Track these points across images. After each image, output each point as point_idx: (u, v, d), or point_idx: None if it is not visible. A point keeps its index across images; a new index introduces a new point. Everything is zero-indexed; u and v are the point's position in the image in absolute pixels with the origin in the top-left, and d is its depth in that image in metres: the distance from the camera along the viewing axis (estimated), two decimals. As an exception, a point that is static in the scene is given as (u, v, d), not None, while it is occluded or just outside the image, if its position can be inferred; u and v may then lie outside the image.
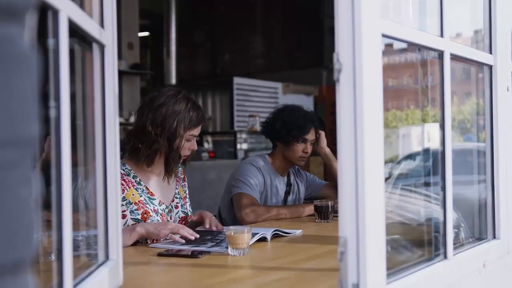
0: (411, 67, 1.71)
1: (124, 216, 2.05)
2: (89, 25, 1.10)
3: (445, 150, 1.41)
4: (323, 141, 2.89)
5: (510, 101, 1.76)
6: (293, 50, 9.17)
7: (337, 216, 1.29)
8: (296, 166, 2.93)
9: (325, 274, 1.51)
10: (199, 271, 1.59)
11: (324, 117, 7.02)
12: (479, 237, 1.72)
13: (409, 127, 2.10)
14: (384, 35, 1.14)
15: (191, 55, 10.17)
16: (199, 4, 10.09)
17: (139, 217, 2.07)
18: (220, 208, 2.86)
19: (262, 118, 5.88)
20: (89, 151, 1.23)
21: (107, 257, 1.23)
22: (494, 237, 1.70)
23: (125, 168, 2.12)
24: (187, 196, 2.35)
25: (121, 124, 6.30)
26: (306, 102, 7.28)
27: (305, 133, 2.76)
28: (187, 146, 2.15)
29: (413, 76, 1.79)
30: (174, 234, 1.91)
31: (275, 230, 2.04)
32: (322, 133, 2.89)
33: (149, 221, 2.08)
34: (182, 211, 2.27)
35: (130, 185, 2.10)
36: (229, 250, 1.73)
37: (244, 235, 1.72)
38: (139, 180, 2.14)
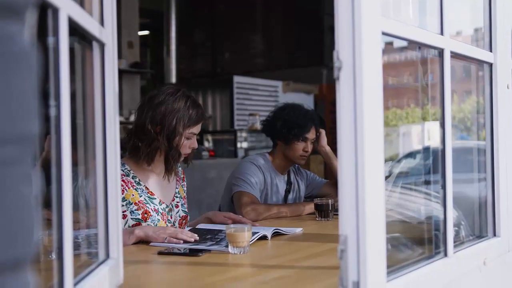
0: (412, 66, 1.71)
1: (124, 216, 2.05)
2: (89, 24, 1.10)
3: (445, 148, 1.41)
4: (324, 140, 2.89)
5: (510, 99, 1.76)
6: (293, 48, 9.17)
7: (337, 215, 1.29)
8: (296, 165, 2.93)
9: (325, 272, 1.51)
10: (200, 269, 1.59)
11: (324, 115, 7.01)
12: (479, 235, 1.72)
13: (409, 125, 2.11)
14: (384, 33, 1.14)
15: (191, 54, 10.17)
16: (199, 3, 10.09)
17: (139, 217, 2.07)
18: (221, 206, 2.87)
19: (262, 116, 5.88)
20: (90, 150, 1.23)
21: (107, 255, 1.23)
22: (494, 235, 1.70)
23: (124, 169, 2.11)
24: (186, 196, 2.35)
25: (121, 123, 6.30)
26: (306, 101, 7.27)
27: (305, 132, 2.76)
28: (188, 144, 2.15)
29: (413, 74, 1.79)
30: (172, 238, 1.90)
31: (275, 229, 2.05)
32: (323, 132, 2.89)
33: (149, 220, 2.08)
34: (182, 210, 2.26)
35: (130, 185, 2.10)
36: (230, 249, 1.73)
37: (244, 234, 1.72)
38: (139, 180, 2.13)
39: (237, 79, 7.67)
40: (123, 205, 2.05)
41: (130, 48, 7.36)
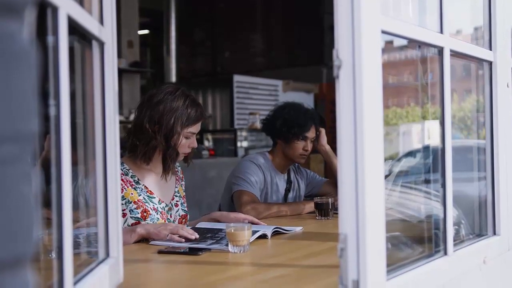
0: (412, 64, 1.71)
1: (124, 215, 2.05)
2: (89, 23, 1.10)
3: (445, 147, 1.41)
4: (323, 139, 2.89)
5: (510, 97, 1.76)
6: (293, 47, 9.17)
7: (337, 213, 1.29)
8: (296, 164, 2.93)
9: (325, 271, 1.51)
10: (199, 268, 1.59)
11: (324, 114, 7.01)
12: (479, 234, 1.72)
13: (410, 124, 2.10)
14: (383, 32, 1.14)
15: (191, 53, 10.18)
16: (199, 2, 10.09)
17: (139, 215, 2.07)
18: (221, 205, 2.87)
19: (262, 115, 5.88)
20: (89, 149, 1.23)
21: (107, 254, 1.23)
22: (494, 233, 1.70)
23: (123, 168, 2.11)
24: (185, 195, 2.35)
25: (121, 122, 6.30)
26: (306, 100, 7.27)
27: (305, 131, 2.76)
28: (187, 144, 2.15)
29: (413, 73, 1.79)
30: (173, 234, 1.90)
31: (275, 228, 2.05)
32: (323, 131, 2.89)
33: (149, 219, 2.08)
34: (182, 209, 2.27)
35: (129, 184, 2.10)
36: (229, 247, 1.73)
37: (244, 232, 1.72)
38: (138, 179, 2.14)
39: (237, 78, 7.66)
40: (122, 204, 2.05)
41: (130, 47, 7.36)
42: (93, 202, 1.24)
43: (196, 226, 2.16)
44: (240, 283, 1.44)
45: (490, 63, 1.70)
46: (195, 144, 2.18)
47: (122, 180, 2.08)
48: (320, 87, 7.96)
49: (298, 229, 2.17)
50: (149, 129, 2.08)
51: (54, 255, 0.95)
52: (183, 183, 2.36)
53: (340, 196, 1.07)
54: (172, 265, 1.65)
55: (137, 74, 7.60)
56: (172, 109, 2.09)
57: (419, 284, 1.28)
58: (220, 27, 9.90)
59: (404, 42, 1.45)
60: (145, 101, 2.14)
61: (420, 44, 1.49)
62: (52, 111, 0.89)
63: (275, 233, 2.04)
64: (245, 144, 6.97)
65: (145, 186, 2.14)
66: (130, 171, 2.13)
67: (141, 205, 2.09)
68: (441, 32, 1.40)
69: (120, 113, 6.80)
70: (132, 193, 2.09)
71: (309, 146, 2.78)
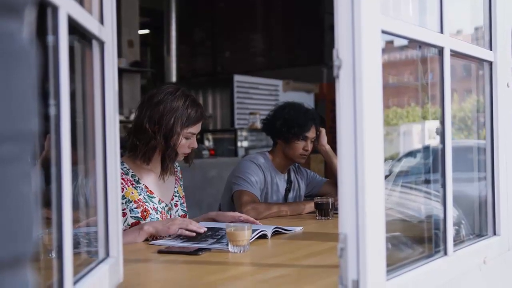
0: (412, 64, 1.71)
1: (124, 215, 2.05)
2: (89, 22, 1.10)
3: (445, 147, 1.41)
4: (324, 139, 2.89)
5: (510, 97, 1.76)
6: (293, 47, 9.17)
7: (337, 213, 1.29)
8: (297, 164, 2.93)
9: (325, 271, 1.51)
10: (200, 268, 1.59)
11: (325, 114, 7.02)
12: (480, 234, 1.72)
13: (410, 124, 2.10)
14: (384, 32, 1.14)
15: (192, 53, 10.18)
16: (200, 2, 10.09)
17: (139, 215, 2.07)
18: (221, 205, 2.87)
19: (262, 115, 5.88)
20: (89, 149, 1.23)
21: (107, 254, 1.23)
22: (495, 233, 1.70)
23: (124, 167, 2.12)
24: (184, 195, 2.36)
25: (121, 122, 6.30)
26: (306, 100, 7.27)
27: (305, 131, 2.76)
28: (187, 144, 2.15)
29: (413, 73, 1.79)
30: (183, 229, 1.92)
31: (275, 227, 2.05)
32: (323, 131, 2.89)
33: (149, 219, 2.08)
34: (181, 209, 2.27)
35: (129, 183, 2.10)
36: (230, 247, 1.73)
37: (244, 232, 1.72)
38: (138, 178, 2.14)
39: (237, 78, 7.66)
40: (122, 203, 2.05)
41: (130, 47, 7.36)
42: (93, 202, 1.24)
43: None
44: (240, 283, 1.44)
45: (491, 63, 1.70)
46: (195, 145, 2.18)
47: (122, 179, 2.08)
48: (321, 87, 7.96)
49: (298, 229, 2.17)
50: (149, 129, 2.08)
51: (54, 254, 0.95)
52: (181, 183, 2.36)
53: (340, 196, 1.07)
54: (172, 265, 1.65)
55: (138, 74, 7.60)
56: (172, 109, 2.09)
57: (419, 284, 1.28)
58: (220, 27, 9.91)
59: (404, 42, 1.45)
60: (145, 101, 2.14)
61: (420, 44, 1.49)
62: (52, 111, 0.89)
63: (275, 233, 2.04)
64: (245, 144, 6.97)
65: (145, 185, 2.14)
66: (130, 170, 2.14)
67: (141, 205, 2.09)
68: (441, 32, 1.40)
69: (121, 112, 6.81)
70: (132, 193, 2.09)
71: (309, 146, 2.78)
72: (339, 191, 1.07)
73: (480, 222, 1.76)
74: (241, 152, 6.79)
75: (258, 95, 7.78)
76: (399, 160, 2.06)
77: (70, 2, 0.95)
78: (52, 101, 0.89)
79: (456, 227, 1.62)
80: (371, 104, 1.07)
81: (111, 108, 1.24)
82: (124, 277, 1.30)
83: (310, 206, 2.62)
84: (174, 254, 1.74)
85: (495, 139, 1.70)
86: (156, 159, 2.16)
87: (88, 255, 1.28)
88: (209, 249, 1.76)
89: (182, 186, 2.34)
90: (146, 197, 2.12)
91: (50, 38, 0.90)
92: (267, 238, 1.97)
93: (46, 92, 0.89)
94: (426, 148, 1.81)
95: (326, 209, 2.46)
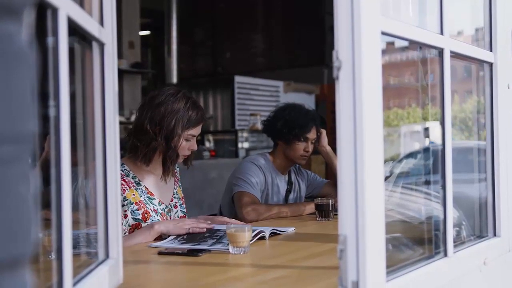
0: (413, 65, 1.71)
1: (125, 216, 2.05)
2: (89, 24, 1.10)
3: (445, 148, 1.41)
4: (324, 140, 2.89)
5: (510, 98, 1.76)
6: (294, 48, 9.17)
7: (337, 215, 1.29)
8: (297, 165, 2.93)
9: (325, 272, 1.51)
10: (199, 269, 1.59)
11: (326, 115, 7.02)
12: (480, 235, 1.72)
13: (411, 125, 2.10)
14: (383, 33, 1.14)
15: (192, 54, 10.18)
16: (200, 3, 10.09)
17: (139, 217, 2.08)
18: (221, 206, 2.87)
19: (263, 116, 5.87)
20: (90, 150, 1.23)
21: (107, 255, 1.23)
22: (495, 234, 1.69)
23: (124, 169, 2.12)
24: (183, 196, 2.36)
25: (122, 123, 6.31)
26: (307, 101, 7.27)
27: (306, 132, 2.76)
28: (187, 146, 2.15)
29: (414, 74, 1.79)
30: (194, 227, 1.98)
31: (272, 229, 2.06)
32: (323, 132, 2.89)
33: (149, 221, 2.08)
34: (181, 210, 2.27)
35: (131, 185, 2.11)
36: (230, 249, 1.73)
37: (245, 234, 1.72)
38: (138, 180, 2.14)
39: (238, 79, 7.66)
40: (124, 205, 2.05)
41: (131, 48, 7.37)
42: (93, 203, 1.24)
43: None
44: (240, 284, 1.44)
45: (491, 64, 1.70)
46: (195, 147, 2.18)
47: (124, 181, 2.08)
48: (321, 88, 7.96)
49: (291, 229, 2.17)
50: (150, 130, 2.08)
51: (53, 256, 0.95)
52: (180, 184, 2.36)
53: (340, 197, 1.07)
54: (172, 266, 1.65)
55: (138, 75, 7.60)
56: (174, 111, 2.09)
57: (419, 286, 1.28)
58: (220, 27, 9.91)
59: (405, 43, 1.45)
60: (146, 102, 2.14)
61: (420, 46, 1.49)
62: (52, 112, 0.89)
63: (271, 234, 2.05)
64: (246, 145, 6.97)
65: (145, 187, 2.14)
66: (131, 172, 2.14)
67: (142, 206, 2.09)
68: (441, 33, 1.40)
69: (121, 114, 6.81)
70: (133, 194, 2.09)
71: (310, 147, 2.78)
72: (339, 192, 1.07)
73: (480, 223, 1.75)
74: (241, 153, 6.78)
75: (259, 96, 7.78)
76: (400, 161, 2.06)
77: (70, 3, 0.95)
78: (52, 102, 0.89)
79: (457, 228, 1.62)
80: (370, 105, 1.07)
81: (111, 109, 1.24)
82: (124, 278, 1.30)
83: (310, 207, 2.62)
84: (174, 255, 1.74)
85: (495, 140, 1.70)
86: (156, 161, 2.16)
87: (88, 257, 1.28)
88: (209, 250, 1.76)
89: (181, 187, 2.35)
90: (146, 199, 2.12)
91: (50, 40, 0.90)
92: (265, 239, 1.97)
93: (46, 93, 0.89)
94: (427, 149, 1.81)
95: (327, 210, 2.46)
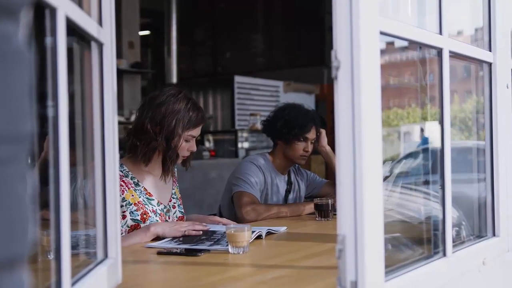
0: (413, 65, 1.71)
1: (124, 217, 2.05)
2: (87, 24, 1.10)
3: (444, 148, 1.41)
4: (324, 140, 2.89)
5: (509, 98, 1.76)
6: (294, 48, 9.17)
7: (337, 214, 1.29)
8: (297, 165, 2.93)
9: (325, 272, 1.51)
10: (199, 269, 1.59)
11: (326, 115, 7.02)
12: (479, 235, 1.72)
13: (411, 125, 2.10)
14: (382, 33, 1.14)
15: (192, 54, 10.18)
16: (200, 3, 10.09)
17: (138, 217, 2.08)
18: (221, 206, 2.87)
19: (263, 116, 5.87)
20: (88, 150, 1.23)
21: (106, 255, 1.23)
22: (494, 234, 1.69)
23: (123, 170, 2.12)
24: (181, 197, 2.37)
25: (122, 123, 6.31)
26: (307, 101, 7.28)
27: (306, 132, 2.76)
28: (186, 147, 2.16)
29: (414, 74, 1.79)
30: (191, 230, 1.99)
31: (268, 229, 2.08)
32: (323, 132, 2.89)
33: (148, 221, 2.08)
34: (179, 211, 2.28)
35: (129, 186, 2.11)
36: (230, 248, 1.73)
37: (244, 233, 1.72)
38: (137, 181, 2.14)
39: (238, 79, 7.66)
40: (122, 206, 2.05)
41: (130, 48, 7.37)
42: (92, 203, 1.24)
43: None
44: (239, 284, 1.44)
45: (490, 64, 1.70)
46: (195, 148, 2.19)
47: (123, 181, 2.08)
48: (321, 88, 7.96)
49: (283, 229, 2.18)
50: (150, 130, 2.09)
51: (52, 255, 0.95)
52: (177, 184, 2.37)
53: (339, 197, 1.07)
54: (171, 266, 1.65)
55: (138, 75, 7.61)
56: (174, 111, 2.10)
57: (418, 285, 1.28)
58: (220, 27, 9.91)
59: (405, 43, 1.45)
60: (147, 102, 2.15)
61: (419, 46, 1.49)
62: (50, 112, 0.89)
63: (268, 233, 2.07)
64: (246, 145, 6.97)
65: (144, 188, 2.15)
66: (130, 173, 2.14)
67: (141, 207, 2.10)
68: (440, 33, 1.40)
69: (121, 114, 6.80)
70: (132, 195, 2.10)
71: (310, 147, 2.78)
72: (338, 192, 1.08)
73: (479, 223, 1.76)
74: (241, 153, 6.78)
75: (258, 96, 7.78)
76: (400, 161, 2.06)
77: (68, 3, 0.95)
78: (50, 103, 0.89)
79: (457, 228, 1.62)
80: (369, 105, 1.07)
81: (109, 109, 1.24)
82: (123, 278, 1.30)
83: (310, 207, 2.62)
84: (174, 255, 1.74)
85: (495, 141, 1.70)
86: (155, 161, 2.17)
87: (86, 256, 1.28)
88: (208, 250, 1.76)
89: (178, 187, 2.35)
90: (145, 199, 2.13)
91: (48, 40, 0.90)
92: (262, 239, 1.98)
93: (44, 94, 0.89)
94: (426, 149, 1.81)
95: (326, 210, 2.46)
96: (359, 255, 1.05)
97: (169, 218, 2.20)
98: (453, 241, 1.44)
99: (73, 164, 1.12)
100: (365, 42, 1.06)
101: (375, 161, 1.09)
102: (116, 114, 1.27)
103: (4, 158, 0.52)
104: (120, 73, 6.95)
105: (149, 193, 2.15)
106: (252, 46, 9.61)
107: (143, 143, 2.10)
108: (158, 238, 1.96)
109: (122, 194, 2.06)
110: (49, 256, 1.15)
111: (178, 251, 1.77)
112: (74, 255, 0.96)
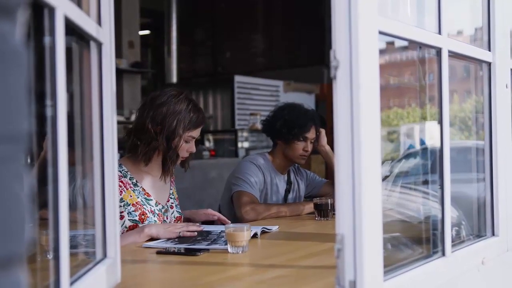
0: (413, 65, 1.71)
1: (121, 218, 2.05)
2: (86, 23, 1.10)
3: (443, 148, 1.41)
4: (324, 139, 2.89)
5: (509, 98, 1.76)
6: (294, 48, 9.17)
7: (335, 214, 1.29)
8: (296, 164, 2.93)
9: (324, 272, 1.51)
10: (198, 268, 1.59)
11: (326, 115, 7.02)
12: (478, 234, 1.72)
13: (411, 125, 2.10)
14: (381, 32, 1.14)
15: (192, 54, 10.18)
16: (200, 2, 10.10)
17: (136, 218, 2.08)
18: (220, 206, 2.87)
19: (263, 116, 5.88)
20: (87, 150, 1.23)
21: (105, 255, 1.23)
22: (493, 234, 1.69)
23: (122, 170, 2.12)
24: (178, 197, 2.37)
25: (122, 123, 6.31)
26: (307, 101, 7.27)
27: (305, 131, 2.76)
28: (186, 148, 2.16)
29: (414, 74, 1.79)
30: (185, 231, 1.99)
31: (262, 228, 2.10)
32: (323, 131, 2.89)
33: (146, 222, 2.09)
34: (177, 211, 2.28)
35: (128, 186, 2.11)
36: (229, 248, 1.73)
37: (243, 233, 1.73)
38: (136, 181, 2.14)
39: (238, 78, 7.67)
40: (120, 206, 2.05)
41: (130, 47, 7.37)
42: (92, 203, 1.24)
43: None
44: (238, 283, 1.44)
45: (489, 64, 1.70)
46: (194, 149, 2.20)
47: (121, 182, 2.08)
48: (321, 88, 7.96)
49: (275, 228, 2.20)
50: (151, 130, 2.09)
51: (51, 255, 0.95)
52: (174, 185, 2.37)
53: (337, 196, 1.07)
54: (170, 266, 1.65)
55: (138, 75, 7.61)
56: (175, 112, 2.10)
57: (417, 285, 1.28)
58: (220, 27, 9.91)
59: (405, 42, 1.45)
60: (148, 102, 2.15)
61: (418, 45, 1.49)
62: (49, 112, 0.89)
63: (264, 232, 2.09)
64: (246, 144, 6.97)
65: (142, 188, 2.15)
66: (129, 173, 2.14)
67: (139, 208, 2.10)
68: (439, 33, 1.40)
69: (121, 113, 6.80)
70: (131, 196, 2.10)
71: (309, 147, 2.78)
72: (336, 192, 1.08)
73: (478, 222, 1.76)
74: (241, 153, 6.79)
75: (258, 96, 7.78)
76: (399, 160, 2.06)
77: (67, 3, 0.95)
78: (49, 102, 0.89)
79: (457, 228, 1.62)
80: (368, 105, 1.07)
81: (108, 109, 1.24)
82: (122, 278, 1.30)
83: (309, 207, 2.62)
84: (173, 255, 1.74)
85: (494, 140, 1.70)
86: (154, 161, 2.17)
87: (85, 256, 1.28)
88: (207, 250, 1.76)
89: (175, 188, 2.35)
90: (143, 200, 2.13)
91: (47, 39, 0.90)
92: (257, 237, 1.99)
93: (43, 93, 0.89)
94: (426, 149, 1.81)
95: (325, 210, 2.46)
96: (357, 255, 1.05)
97: (167, 219, 2.20)
98: (452, 241, 1.44)
99: (72, 163, 1.12)
100: (364, 42, 1.06)
101: (374, 160, 1.09)
102: (115, 114, 1.27)
103: (2, 157, 0.52)
104: (120, 72, 6.95)
105: (147, 193, 2.15)
106: (252, 46, 9.61)
107: (144, 142, 2.10)
108: (152, 239, 1.96)
109: (120, 195, 2.06)
110: (48, 256, 1.16)
111: (178, 250, 1.77)
112: (73, 255, 0.96)
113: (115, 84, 1.27)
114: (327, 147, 2.90)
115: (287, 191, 2.88)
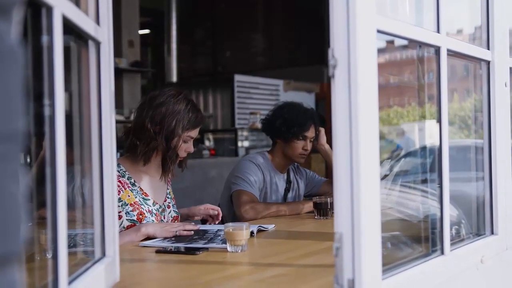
0: (413, 64, 1.71)
1: (120, 217, 2.05)
2: (84, 22, 1.10)
3: (442, 146, 1.41)
4: (323, 138, 2.89)
5: (507, 97, 1.76)
6: (294, 47, 9.17)
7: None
8: (296, 163, 2.93)
9: (323, 270, 1.51)
10: (197, 267, 1.59)
11: (326, 114, 7.01)
12: (477, 233, 1.72)
13: (410, 123, 2.10)
14: (379, 31, 1.14)
15: (192, 53, 10.18)
16: (200, 2, 10.10)
17: (134, 218, 2.08)
18: (220, 205, 2.87)
19: (263, 115, 5.87)
20: (86, 149, 1.23)
21: (103, 253, 1.23)
22: (492, 233, 1.69)
23: (120, 170, 2.12)
24: (174, 197, 2.37)
25: (121, 122, 6.31)
26: (307, 100, 7.27)
27: (305, 130, 2.76)
28: (184, 148, 2.16)
29: (414, 73, 1.79)
30: (181, 230, 2.00)
31: (259, 226, 2.11)
32: (322, 130, 2.89)
33: (144, 222, 2.09)
34: (174, 210, 2.28)
35: (126, 186, 2.11)
36: (228, 247, 1.73)
37: (242, 232, 1.73)
38: (134, 181, 2.14)
39: (238, 77, 7.66)
40: (118, 206, 2.05)
41: (130, 47, 7.36)
42: (90, 202, 1.24)
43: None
44: (237, 282, 1.44)
45: (488, 62, 1.70)
46: (192, 149, 2.20)
47: (119, 181, 2.08)
48: (321, 87, 7.95)
49: (271, 227, 2.20)
50: (150, 129, 2.09)
51: (49, 254, 0.95)
52: (171, 184, 2.38)
53: (336, 195, 1.07)
54: (169, 265, 1.65)
55: (138, 74, 7.60)
56: (174, 112, 2.11)
57: (415, 284, 1.28)
58: (220, 26, 9.91)
59: (405, 41, 1.45)
60: (147, 101, 2.15)
61: (416, 44, 1.49)
62: (46, 111, 0.89)
63: (258, 230, 2.10)
64: (246, 143, 6.98)
65: (140, 188, 2.15)
66: (127, 173, 2.14)
67: (137, 208, 2.10)
68: (438, 31, 1.40)
69: (121, 112, 6.80)
70: (129, 195, 2.10)
71: (309, 146, 2.78)
72: (334, 190, 1.08)
73: (478, 221, 1.76)
74: (241, 152, 6.79)
75: (258, 95, 7.78)
76: (399, 159, 2.06)
77: (65, 2, 0.95)
78: (47, 101, 0.89)
79: (456, 227, 1.62)
80: (366, 104, 1.07)
81: (107, 108, 1.24)
82: (121, 277, 1.30)
83: (309, 206, 2.62)
84: (172, 253, 1.74)
85: (493, 139, 1.70)
86: (153, 160, 2.17)
87: (84, 255, 1.28)
88: (206, 249, 1.76)
89: (171, 187, 2.36)
90: (141, 199, 2.13)
91: (44, 39, 0.90)
92: (253, 236, 1.99)
93: (41, 92, 0.89)
94: (425, 148, 1.81)
95: (325, 209, 2.46)
96: (356, 253, 1.05)
97: (164, 218, 2.21)
98: (451, 239, 1.44)
99: (71, 163, 1.12)
100: (362, 41, 1.06)
101: (372, 159, 1.09)
102: (113, 113, 1.27)
103: (-2, 156, 0.52)
104: (120, 72, 6.95)
105: (145, 193, 2.16)
106: (252, 45, 9.61)
107: (143, 142, 2.10)
108: (149, 238, 1.96)
109: (118, 195, 2.06)
110: (47, 255, 1.16)
111: (177, 249, 1.77)
112: (71, 254, 0.96)
113: (113, 84, 1.27)
114: (327, 146, 2.89)
115: (287, 190, 2.88)
